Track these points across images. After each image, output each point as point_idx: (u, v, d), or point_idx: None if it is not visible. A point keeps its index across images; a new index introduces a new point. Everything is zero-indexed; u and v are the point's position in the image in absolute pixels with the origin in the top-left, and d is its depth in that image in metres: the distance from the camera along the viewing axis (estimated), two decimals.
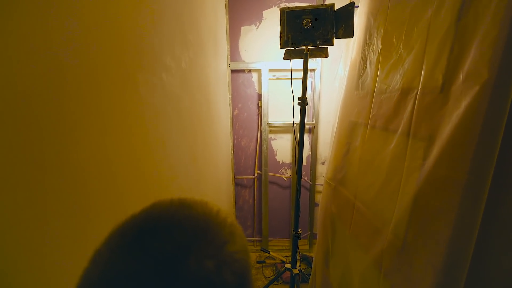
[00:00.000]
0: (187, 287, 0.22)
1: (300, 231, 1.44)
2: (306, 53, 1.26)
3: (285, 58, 1.37)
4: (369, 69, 1.12)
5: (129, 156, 0.58)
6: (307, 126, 2.28)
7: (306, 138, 2.32)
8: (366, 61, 1.14)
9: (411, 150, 0.81)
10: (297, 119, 2.33)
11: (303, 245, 2.50)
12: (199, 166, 1.18)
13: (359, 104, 1.16)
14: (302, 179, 2.45)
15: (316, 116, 2.17)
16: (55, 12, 0.37)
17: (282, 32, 1.27)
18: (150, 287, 0.21)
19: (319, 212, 1.50)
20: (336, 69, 2.14)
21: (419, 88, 0.79)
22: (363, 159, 1.07)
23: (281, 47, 1.32)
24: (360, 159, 1.08)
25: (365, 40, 1.18)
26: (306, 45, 1.25)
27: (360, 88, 1.18)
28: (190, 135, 1.04)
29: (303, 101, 1.27)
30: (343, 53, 1.66)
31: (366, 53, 1.15)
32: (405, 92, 0.86)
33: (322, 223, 1.41)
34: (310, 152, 2.33)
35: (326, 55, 1.31)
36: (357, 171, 1.10)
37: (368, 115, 1.07)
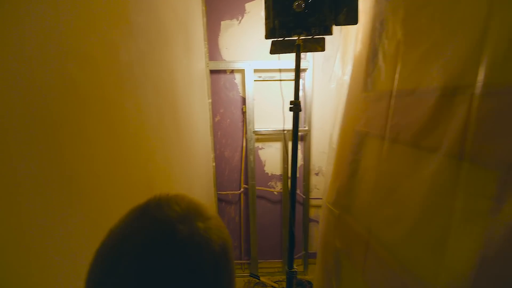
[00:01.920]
0: (182, 242, 0.26)
1: (295, 268, 1.14)
2: (299, 45, 0.96)
3: (271, 52, 1.06)
4: (382, 64, 0.83)
5: None
6: (299, 134, 1.98)
7: (298, 146, 2.02)
8: (378, 54, 0.85)
9: (468, 181, 0.51)
10: (287, 125, 2.04)
11: (297, 266, 2.19)
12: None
13: (369, 110, 0.87)
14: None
15: (308, 122, 1.88)
16: None
17: (267, 18, 0.96)
18: (153, 241, 0.25)
19: (318, 244, 1.20)
20: (330, 67, 1.86)
21: (478, 86, 0.50)
22: (380, 184, 0.77)
23: (266, 37, 1.01)
24: (377, 184, 0.79)
25: (374, 28, 0.89)
26: (298, 35, 0.95)
27: (369, 89, 0.89)
28: (133, 154, 0.71)
29: (295, 106, 0.97)
30: (339, 48, 1.38)
31: (377, 44, 0.86)
32: (449, 93, 0.57)
33: (323, 260, 1.11)
34: (303, 162, 2.04)
35: (323, 48, 1.02)
36: (372, 199, 0.81)
37: (384, 125, 0.78)
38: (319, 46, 1.02)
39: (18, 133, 0.32)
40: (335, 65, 1.46)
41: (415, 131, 0.66)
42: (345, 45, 1.25)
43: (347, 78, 1.10)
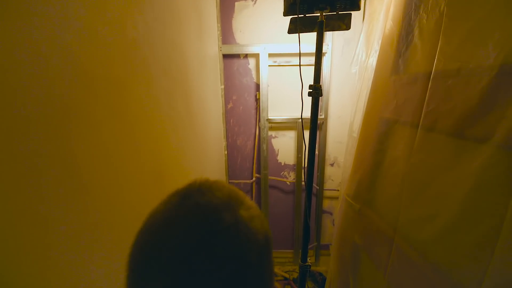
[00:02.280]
0: (228, 230, 0.25)
1: (309, 261, 1.09)
2: (321, 22, 0.86)
3: (290, 31, 0.97)
4: (418, 42, 0.73)
5: None
6: None
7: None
8: (413, 31, 0.75)
9: None
10: (303, 114, 1.94)
11: (308, 257, 2.16)
12: (167, 182, 0.81)
13: (400, 95, 0.78)
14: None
15: (325, 109, 1.78)
16: None
17: None
18: (199, 228, 0.25)
19: (334, 237, 1.14)
20: (351, 51, 1.74)
21: None
22: (411, 178, 0.69)
23: (285, 14, 0.92)
24: (407, 177, 0.71)
25: (410, 0, 0.78)
26: (321, 10, 0.86)
27: (401, 71, 0.79)
28: (145, 141, 0.66)
29: (315, 90, 0.89)
30: (363, 28, 1.26)
31: (413, 19, 0.75)
32: (508, 72, 0.48)
33: (339, 255, 1.05)
34: (318, 152, 1.95)
35: (348, 26, 0.92)
36: (400, 194, 0.73)
37: (418, 111, 0.68)
38: (344, 23, 0.92)
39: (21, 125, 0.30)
40: (357, 48, 1.34)
41: (458, 118, 0.57)
42: (370, 24, 1.13)
43: (372, 60, 0.99)
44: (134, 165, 0.60)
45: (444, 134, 0.61)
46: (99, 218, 0.45)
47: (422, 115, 0.67)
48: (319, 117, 1.82)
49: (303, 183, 1.95)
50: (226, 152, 1.87)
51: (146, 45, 0.66)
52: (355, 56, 1.37)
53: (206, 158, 1.31)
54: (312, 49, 1.71)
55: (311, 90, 0.90)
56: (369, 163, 0.89)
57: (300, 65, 0.91)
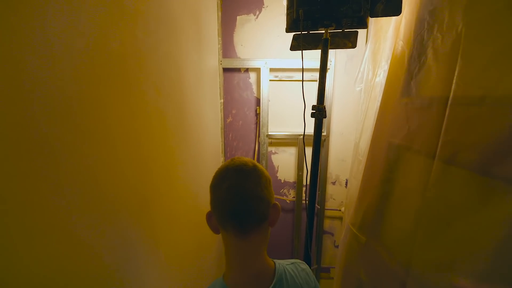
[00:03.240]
0: (254, 168, 0.52)
1: None
2: (326, 40, 0.81)
3: (292, 48, 0.91)
4: (432, 64, 0.66)
5: None
6: None
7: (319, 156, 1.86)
8: (426, 52, 0.68)
9: None
10: (304, 130, 1.87)
11: None
12: (154, 209, 0.73)
13: (413, 119, 0.71)
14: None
15: (327, 126, 1.72)
16: None
17: (289, 8, 0.82)
18: (241, 167, 0.51)
19: (337, 270, 1.04)
20: (354, 67, 1.69)
21: None
22: (428, 214, 0.61)
23: (287, 30, 0.86)
24: (421, 213, 0.63)
25: (420, 19, 0.72)
26: (326, 28, 0.80)
27: (413, 93, 0.72)
28: (129, 161, 0.59)
29: (319, 111, 0.82)
30: (369, 45, 1.21)
31: (425, 39, 0.69)
32: None
33: None
34: (319, 170, 1.87)
35: (354, 44, 0.86)
36: (414, 231, 0.64)
37: (434, 140, 0.61)
38: (350, 41, 0.86)
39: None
40: (362, 65, 1.29)
41: (483, 153, 0.50)
42: (376, 41, 1.08)
43: (380, 80, 0.93)
44: (116, 192, 0.52)
45: (467, 169, 0.53)
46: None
47: (439, 145, 0.60)
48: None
49: (304, 201, 1.86)
50: None
51: (133, 60, 0.60)
52: (359, 74, 1.31)
53: (202, 177, 1.23)
54: (315, 64, 1.67)
55: (314, 111, 0.83)
56: (377, 192, 0.81)
57: (302, 82, 0.85)
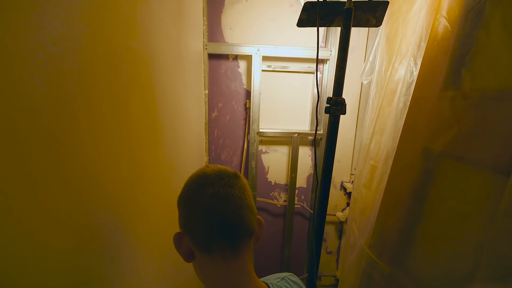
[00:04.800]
0: (236, 175, 0.43)
1: None
2: (349, 10, 0.60)
3: (300, 23, 0.70)
4: (499, 43, 0.48)
5: None
6: (309, 138, 1.64)
7: (308, 152, 1.68)
8: (489, 26, 0.50)
9: None
10: (298, 127, 1.67)
11: None
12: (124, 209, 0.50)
13: (467, 120, 0.52)
14: (300, 206, 1.81)
15: (324, 124, 1.53)
16: None
17: None
18: (222, 173, 0.42)
19: None
20: (355, 60, 1.51)
21: None
22: (499, 252, 0.43)
23: None
24: (486, 248, 0.45)
25: None
26: None
27: (465, 85, 0.54)
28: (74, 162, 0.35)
29: (336, 105, 0.62)
30: (380, 32, 1.03)
31: (486, 12, 0.51)
32: None
33: None
34: (313, 171, 1.70)
35: (379, 22, 0.67)
36: (471, 271, 0.47)
37: (505, 149, 0.43)
38: (374, 17, 0.67)
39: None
40: (371, 55, 1.11)
41: None
42: (393, 25, 0.89)
43: (405, 71, 0.75)
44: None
45: None
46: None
47: None
48: (317, 132, 1.56)
49: (296, 206, 1.68)
50: None
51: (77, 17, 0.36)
52: (367, 65, 1.13)
53: (180, 183, 1.00)
54: (312, 54, 1.47)
55: (330, 105, 0.63)
56: (406, 210, 0.63)
57: (316, 68, 0.64)
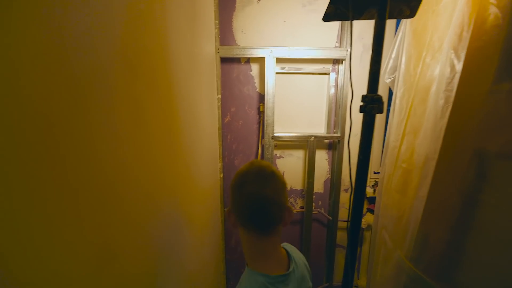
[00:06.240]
0: (272, 172, 0.54)
1: None
2: (385, 0, 0.55)
3: (327, 17, 0.65)
4: None
5: None
6: (326, 141, 1.57)
7: (325, 156, 1.61)
8: None
9: None
10: (314, 130, 1.60)
11: None
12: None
13: None
14: (317, 212, 1.72)
15: (341, 126, 1.47)
16: None
17: None
18: (260, 170, 0.53)
19: None
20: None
21: None
22: None
23: None
24: None
25: None
26: None
27: None
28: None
29: (372, 103, 0.56)
30: (404, 26, 0.97)
31: None
32: None
33: None
34: (330, 175, 1.63)
35: (413, 13, 0.61)
36: None
37: None
38: (408, 7, 0.61)
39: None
40: (394, 51, 1.04)
41: None
42: (421, 18, 0.83)
43: (436, 67, 0.68)
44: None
45: None
46: None
47: None
48: (334, 134, 1.50)
49: (313, 212, 1.60)
50: (221, 176, 1.50)
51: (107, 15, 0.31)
52: (390, 62, 1.06)
53: (197, 188, 0.94)
54: (325, 54, 1.42)
55: (365, 104, 0.57)
56: (457, 219, 0.55)
57: (350, 62, 0.58)
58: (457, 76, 0.59)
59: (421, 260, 0.63)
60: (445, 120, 0.60)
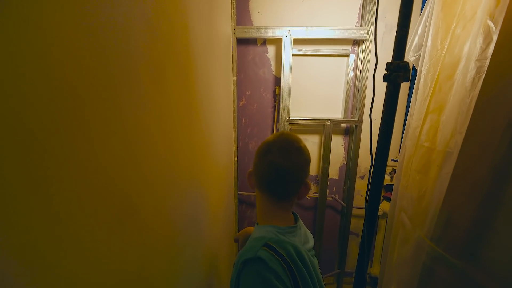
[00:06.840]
0: (300, 146, 0.55)
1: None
2: None
3: None
4: None
5: None
6: (342, 125, 1.53)
7: (341, 142, 1.57)
8: None
9: None
10: (330, 115, 1.56)
11: (328, 284, 1.79)
12: (142, 216, 0.46)
13: None
14: (331, 199, 1.69)
15: (360, 110, 1.42)
16: None
17: None
18: (286, 142, 0.55)
19: None
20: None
21: None
22: None
23: None
24: None
25: None
26: None
27: None
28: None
29: (397, 71, 0.53)
30: (431, 3, 0.91)
31: None
32: None
33: None
34: (346, 162, 1.59)
35: None
36: None
37: None
38: None
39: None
40: (419, 28, 0.98)
41: None
42: None
43: (469, 35, 0.63)
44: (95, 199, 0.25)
45: None
46: None
47: None
48: (351, 119, 1.45)
49: (327, 198, 1.59)
50: (236, 159, 1.51)
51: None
52: (415, 39, 1.01)
53: (212, 165, 0.95)
54: (345, 34, 1.36)
55: (390, 72, 0.54)
56: (486, 194, 0.52)
57: (375, 36, 0.56)
58: (493, 43, 0.55)
59: (442, 239, 0.60)
60: (477, 91, 0.56)
